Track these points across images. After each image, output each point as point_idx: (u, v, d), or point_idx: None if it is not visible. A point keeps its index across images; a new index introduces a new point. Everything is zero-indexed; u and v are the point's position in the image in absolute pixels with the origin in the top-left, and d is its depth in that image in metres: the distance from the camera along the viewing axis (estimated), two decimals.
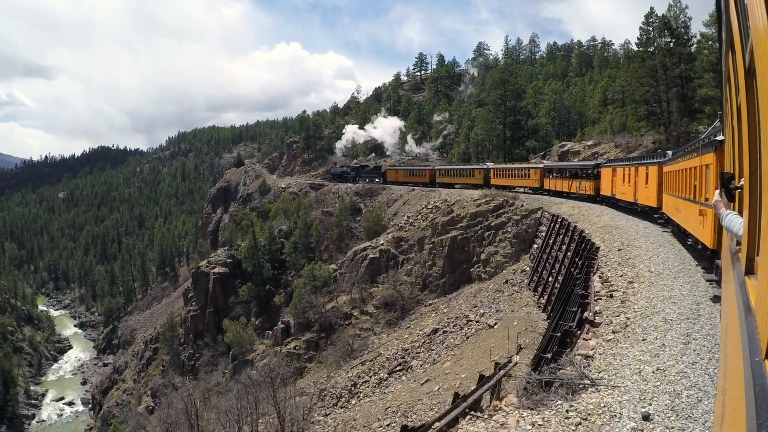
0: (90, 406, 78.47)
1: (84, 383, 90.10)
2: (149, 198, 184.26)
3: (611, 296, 12.40)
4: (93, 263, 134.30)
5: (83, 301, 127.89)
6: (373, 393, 30.61)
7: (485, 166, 52.88)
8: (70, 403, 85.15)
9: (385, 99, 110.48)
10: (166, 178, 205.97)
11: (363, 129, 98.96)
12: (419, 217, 51.76)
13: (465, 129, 70.62)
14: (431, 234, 45.29)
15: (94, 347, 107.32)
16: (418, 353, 31.90)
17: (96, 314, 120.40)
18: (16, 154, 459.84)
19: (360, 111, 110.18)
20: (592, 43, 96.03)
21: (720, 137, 11.56)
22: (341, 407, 32.69)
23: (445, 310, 37.56)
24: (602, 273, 15.02)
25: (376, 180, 73.02)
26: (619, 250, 17.72)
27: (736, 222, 2.80)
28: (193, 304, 65.36)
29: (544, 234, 33.07)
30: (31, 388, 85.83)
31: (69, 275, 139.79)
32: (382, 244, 50.93)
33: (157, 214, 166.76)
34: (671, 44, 38.96)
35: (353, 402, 31.63)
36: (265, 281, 62.82)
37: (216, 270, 64.08)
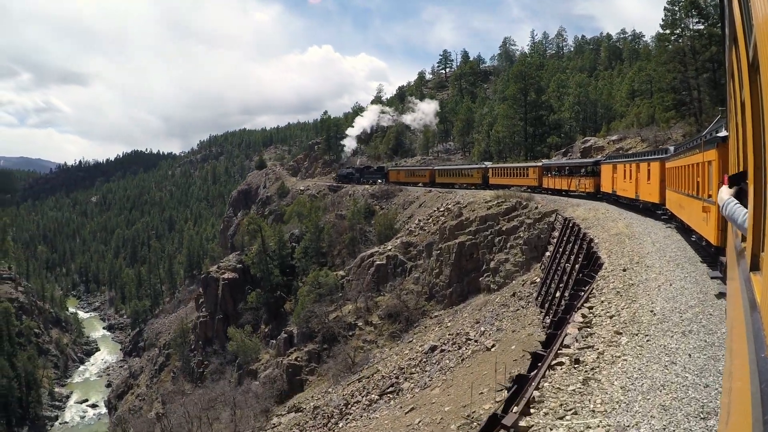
0: (108, 409, 78.31)
1: (108, 386, 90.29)
2: (180, 201, 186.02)
3: (577, 362, 8.24)
4: (123, 266, 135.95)
5: (112, 304, 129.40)
6: (361, 416, 27.69)
7: (483, 166, 51.72)
8: (94, 405, 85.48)
9: (409, 98, 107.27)
10: (197, 181, 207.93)
11: (385, 112, 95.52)
12: (430, 220, 48.46)
13: (486, 126, 66.76)
14: (439, 239, 41.96)
15: (121, 350, 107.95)
16: (412, 374, 28.77)
17: (124, 317, 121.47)
18: (54, 159, 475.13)
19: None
20: (622, 35, 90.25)
21: (722, 133, 11.39)
22: (329, 429, 29.97)
23: (448, 324, 34.25)
24: (590, 307, 11.36)
25: (379, 181, 72.09)
26: (624, 270, 14.01)
27: (738, 212, 2.71)
28: (203, 310, 63.86)
29: (555, 240, 29.44)
30: (56, 389, 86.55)
31: (99, 278, 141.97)
32: (390, 250, 47.87)
33: (187, 217, 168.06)
34: (700, 25, 34.22)
35: (341, 425, 28.80)
36: (275, 287, 60.63)
37: (225, 276, 62.33)
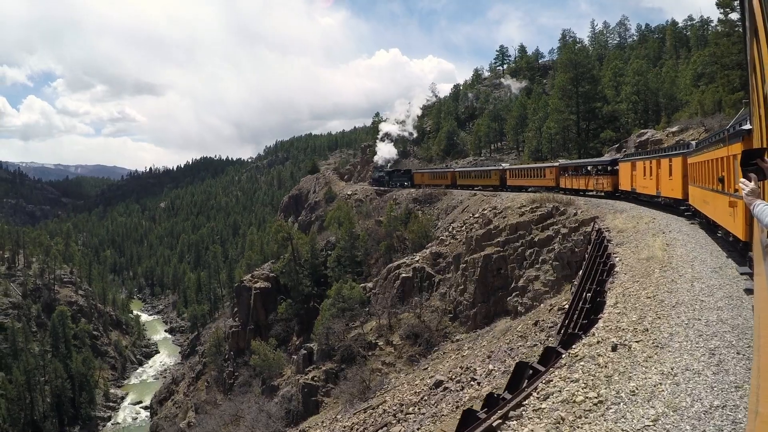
0: (150, 414, 78.70)
1: None
2: (245, 206, 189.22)
3: None
4: (186, 270, 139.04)
5: (175, 307, 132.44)
6: None
7: (500, 167, 51.60)
8: (147, 407, 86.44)
9: (462, 96, 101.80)
10: (262, 186, 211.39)
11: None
12: (463, 228, 43.41)
13: (537, 122, 60.41)
14: (466, 251, 36.88)
15: (179, 352, 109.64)
16: (408, 414, 24.15)
17: (185, 320, 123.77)
18: (129, 166, 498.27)
19: (433, 110, 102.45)
20: (689, 22, 79.68)
21: (747, 126, 11.01)
22: None
23: (465, 353, 29.26)
24: None
25: (405, 184, 71.34)
26: (614, 349, 7.98)
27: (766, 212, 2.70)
28: (237, 319, 62.03)
29: (587, 258, 23.86)
30: (112, 390, 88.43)
31: (164, 281, 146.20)
32: (418, 261, 43.26)
33: (252, 221, 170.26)
34: None
35: None
36: (307, 298, 57.54)
37: (258, 285, 60.04)
